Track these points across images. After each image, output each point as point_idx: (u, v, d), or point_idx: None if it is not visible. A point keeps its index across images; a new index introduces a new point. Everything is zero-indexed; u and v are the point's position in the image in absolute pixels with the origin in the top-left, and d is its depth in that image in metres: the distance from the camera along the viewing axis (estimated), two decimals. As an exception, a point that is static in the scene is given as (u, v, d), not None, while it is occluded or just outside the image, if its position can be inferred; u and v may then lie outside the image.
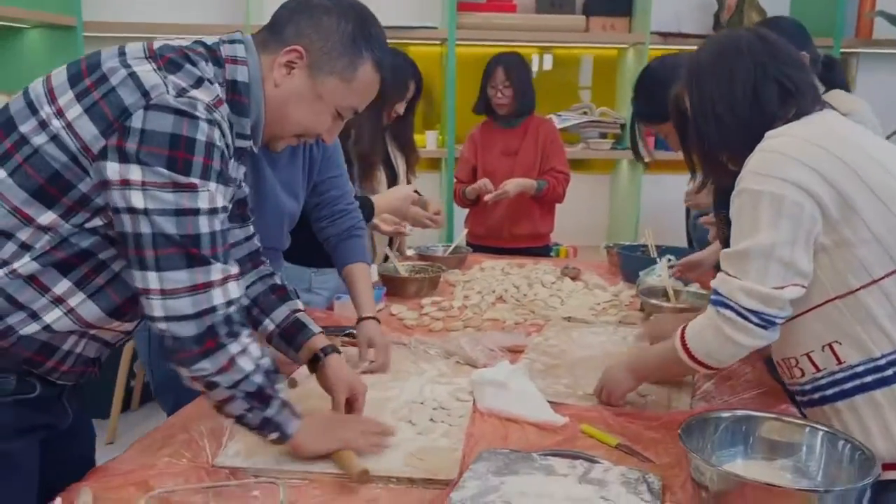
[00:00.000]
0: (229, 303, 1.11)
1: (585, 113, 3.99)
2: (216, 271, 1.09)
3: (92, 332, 1.18)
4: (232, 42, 1.19)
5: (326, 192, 1.93)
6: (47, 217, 1.07)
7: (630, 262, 2.64)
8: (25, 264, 1.08)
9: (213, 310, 1.09)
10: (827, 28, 3.77)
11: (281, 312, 1.46)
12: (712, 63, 1.35)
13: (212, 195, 1.08)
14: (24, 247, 1.08)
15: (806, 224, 1.22)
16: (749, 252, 1.24)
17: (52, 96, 1.07)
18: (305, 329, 1.47)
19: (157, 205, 1.03)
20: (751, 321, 1.24)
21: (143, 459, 1.26)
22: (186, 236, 1.05)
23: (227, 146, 1.12)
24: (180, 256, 1.05)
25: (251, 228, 1.47)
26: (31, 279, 1.09)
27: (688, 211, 3.65)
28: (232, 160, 1.19)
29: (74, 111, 1.05)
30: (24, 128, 1.07)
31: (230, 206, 1.23)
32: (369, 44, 1.23)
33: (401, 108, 2.56)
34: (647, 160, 2.09)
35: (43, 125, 1.06)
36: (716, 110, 1.33)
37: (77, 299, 1.12)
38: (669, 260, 2.38)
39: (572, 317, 2.15)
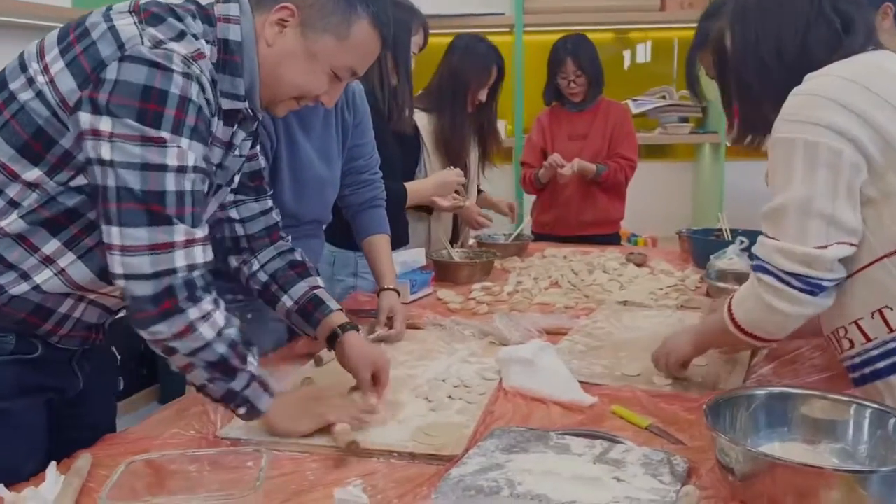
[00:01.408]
0: (191, 266, 1.06)
1: (664, 97, 3.81)
2: (179, 232, 1.05)
3: (90, 296, 1.18)
4: (227, 1, 1.16)
5: (353, 159, 1.88)
6: (32, 174, 1.07)
7: (701, 245, 2.48)
8: (13, 222, 1.08)
9: (172, 271, 1.04)
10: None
11: (299, 289, 1.43)
12: (760, 2, 1.21)
13: (182, 152, 1.04)
14: (12, 203, 1.08)
15: (846, 173, 1.07)
16: (784, 208, 1.11)
17: (41, 54, 1.07)
18: (323, 305, 1.43)
19: (123, 157, 1.00)
20: (793, 286, 1.11)
21: (153, 430, 1.25)
22: (150, 192, 1.02)
23: (208, 102, 1.09)
24: (141, 212, 1.02)
25: (269, 202, 1.44)
26: (19, 238, 1.09)
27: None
28: (216, 119, 1.15)
29: (57, 66, 1.04)
30: (14, 85, 1.07)
31: (215, 167, 1.20)
32: (365, 0, 1.18)
33: (483, 95, 2.51)
34: (702, 104, 1.88)
35: (30, 82, 1.05)
36: (759, 52, 1.19)
37: (66, 260, 1.11)
38: (742, 242, 2.21)
39: (628, 301, 2.03)
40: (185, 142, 1.04)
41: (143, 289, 1.04)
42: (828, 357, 1.54)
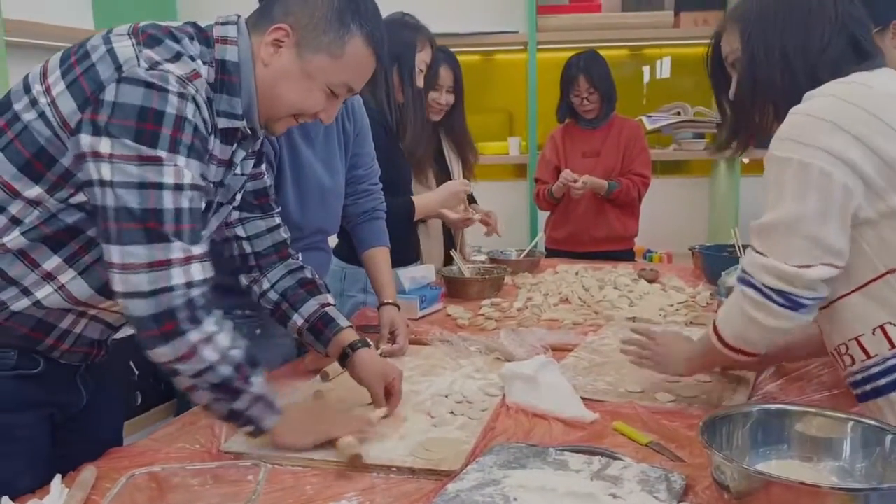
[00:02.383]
0: (189, 284, 1.07)
1: (679, 113, 3.80)
2: (176, 249, 1.06)
3: (91, 312, 1.20)
4: (225, 24, 1.19)
5: (353, 169, 1.89)
6: (33, 191, 1.09)
7: (713, 262, 2.47)
8: (14, 238, 1.10)
9: (170, 289, 1.06)
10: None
11: (310, 307, 1.45)
12: (785, 3, 1.21)
13: (179, 170, 1.06)
14: (14, 220, 1.10)
15: (837, 196, 1.08)
16: (773, 225, 1.12)
17: (44, 75, 1.10)
18: (333, 323, 1.44)
19: (121, 177, 1.03)
20: (774, 301, 1.13)
21: (158, 444, 1.27)
22: (148, 210, 1.04)
23: (204, 121, 1.11)
24: (140, 231, 1.04)
25: (276, 219, 1.47)
26: (21, 254, 1.11)
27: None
28: (213, 137, 1.17)
29: (59, 88, 1.07)
30: (18, 105, 1.10)
31: (212, 186, 1.22)
32: (358, 18, 1.20)
33: (441, 98, 2.42)
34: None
35: (33, 102, 1.08)
36: (787, 54, 1.19)
37: (67, 276, 1.14)
38: (754, 258, 2.19)
39: (637, 317, 2.02)
40: (181, 160, 1.06)
41: (143, 308, 1.05)
42: (835, 374, 1.53)
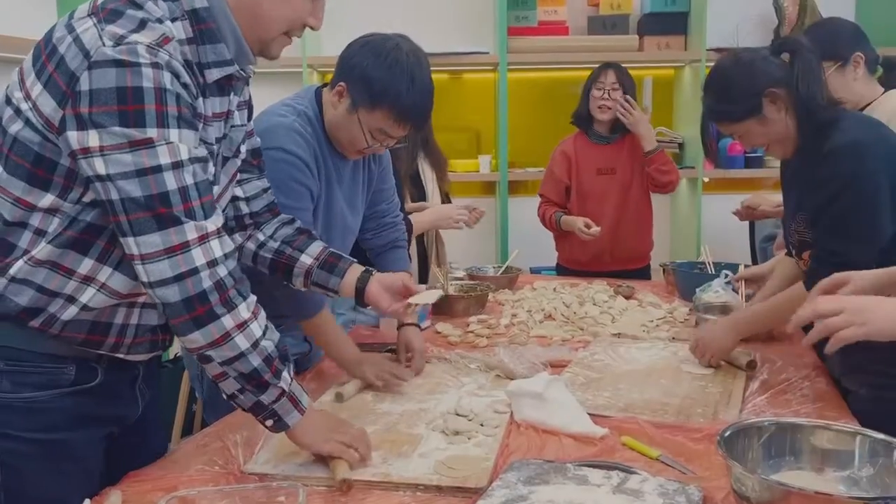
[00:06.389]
0: (212, 262, 1.07)
1: (642, 133, 3.92)
2: (190, 230, 1.05)
3: (140, 300, 1.18)
4: None
5: (376, 204, 1.94)
6: (47, 200, 1.07)
7: (687, 278, 2.56)
8: (42, 249, 1.09)
9: (194, 271, 1.05)
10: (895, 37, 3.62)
11: (315, 247, 1.47)
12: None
13: (173, 147, 1.03)
14: (39, 233, 1.09)
15: None
16: None
17: (21, 81, 1.07)
18: (344, 258, 1.48)
19: (117, 168, 1.01)
20: None
21: (176, 466, 1.27)
22: (152, 196, 1.02)
23: (186, 86, 1.07)
24: (150, 219, 1.03)
25: (266, 181, 1.46)
26: (53, 265, 1.10)
27: (752, 230, 3.53)
28: (202, 99, 1.14)
29: (37, 90, 1.04)
30: (4, 119, 1.08)
31: (215, 148, 1.19)
32: None
33: None
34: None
35: (17, 112, 1.06)
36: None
37: (104, 274, 1.12)
38: (727, 276, 2.29)
39: (622, 333, 2.09)
40: (174, 134, 1.03)
41: (171, 294, 1.05)
42: (815, 386, 1.62)
